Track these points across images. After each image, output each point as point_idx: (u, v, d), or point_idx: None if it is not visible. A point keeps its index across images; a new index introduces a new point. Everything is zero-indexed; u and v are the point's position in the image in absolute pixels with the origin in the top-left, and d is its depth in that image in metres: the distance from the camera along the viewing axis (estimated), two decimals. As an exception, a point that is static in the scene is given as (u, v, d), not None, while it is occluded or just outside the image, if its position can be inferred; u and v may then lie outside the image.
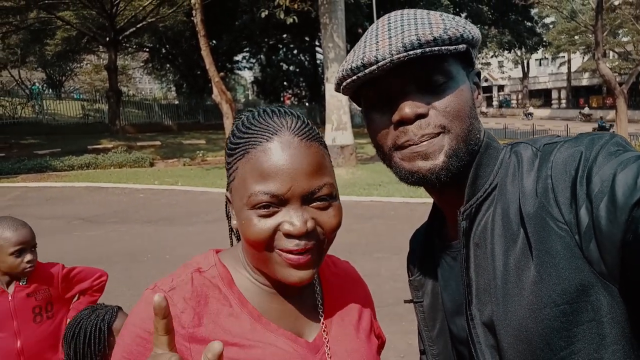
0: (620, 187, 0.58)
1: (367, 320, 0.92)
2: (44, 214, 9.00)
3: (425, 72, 0.72)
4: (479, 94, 0.80)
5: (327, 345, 0.82)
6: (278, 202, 0.72)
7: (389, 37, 0.71)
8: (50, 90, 30.34)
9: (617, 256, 0.59)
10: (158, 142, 19.27)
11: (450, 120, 0.72)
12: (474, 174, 0.77)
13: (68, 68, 35.11)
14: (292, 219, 0.72)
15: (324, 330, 0.84)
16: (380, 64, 0.69)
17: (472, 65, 0.79)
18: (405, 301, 0.96)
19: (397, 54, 0.68)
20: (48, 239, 7.24)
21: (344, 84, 0.75)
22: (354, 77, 0.73)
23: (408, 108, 0.72)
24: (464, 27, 0.72)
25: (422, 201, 9.21)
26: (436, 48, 0.68)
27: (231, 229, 0.90)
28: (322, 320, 0.85)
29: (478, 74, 0.81)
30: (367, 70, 0.70)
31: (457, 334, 0.86)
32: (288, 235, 0.73)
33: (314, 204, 0.75)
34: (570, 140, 0.70)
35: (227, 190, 0.82)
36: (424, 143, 0.73)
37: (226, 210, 0.86)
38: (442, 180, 0.74)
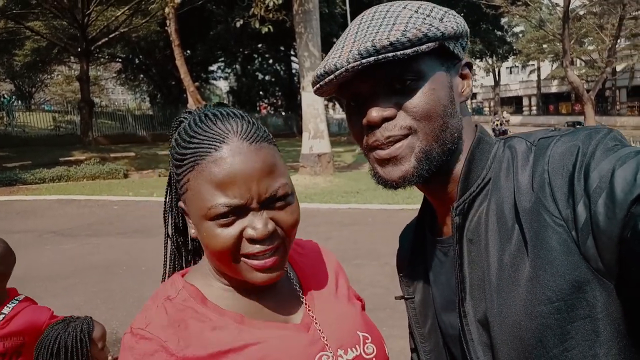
0: (619, 183, 0.58)
1: (343, 286, 0.95)
2: (14, 228, 8.73)
3: (392, 73, 0.71)
4: (467, 86, 0.79)
5: (315, 322, 0.83)
6: (238, 210, 0.73)
7: (353, 41, 0.71)
8: (20, 101, 29.60)
9: (615, 253, 0.59)
10: (132, 153, 18.97)
11: (418, 120, 0.71)
12: (467, 169, 0.75)
13: (38, 79, 34.36)
14: (253, 223, 0.73)
15: (309, 310, 0.85)
16: (336, 73, 0.69)
17: (455, 58, 0.76)
18: (396, 298, 0.95)
19: (354, 62, 0.68)
20: (19, 253, 7.00)
21: (314, 89, 0.76)
22: (318, 85, 0.73)
23: (375, 112, 0.72)
24: (430, 24, 0.70)
25: (399, 207, 9.29)
26: (390, 54, 0.67)
27: (179, 241, 0.91)
28: (303, 301, 0.87)
29: (468, 65, 0.79)
30: (327, 79, 0.71)
31: (446, 330, 0.85)
32: (251, 241, 0.73)
33: (272, 205, 0.75)
34: (566, 134, 0.69)
35: (180, 200, 0.81)
36: (391, 148, 0.72)
37: (171, 221, 0.89)
38: (411, 185, 0.74)
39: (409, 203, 9.37)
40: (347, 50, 0.69)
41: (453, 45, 0.75)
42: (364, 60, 0.67)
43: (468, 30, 0.78)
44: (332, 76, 0.70)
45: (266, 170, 0.73)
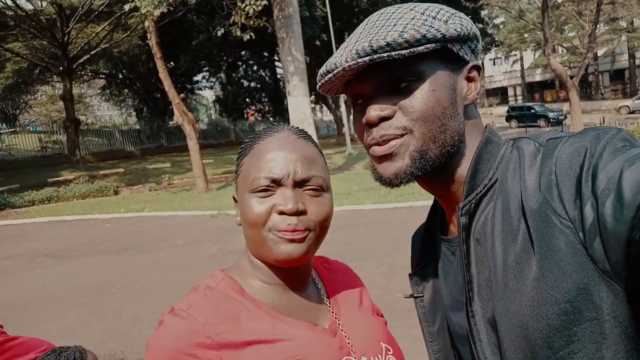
0: (627, 184, 0.57)
1: (367, 301, 1.02)
2: (5, 253, 8.62)
3: (391, 74, 0.72)
4: (474, 89, 0.78)
5: (342, 329, 0.89)
6: (275, 185, 0.83)
7: (356, 40, 0.72)
8: (4, 124, 29.31)
9: (622, 254, 0.58)
10: (121, 169, 18.86)
11: (414, 121, 0.72)
12: (473, 169, 0.75)
13: (21, 100, 34.04)
14: (285, 199, 0.82)
15: (335, 317, 0.91)
16: (334, 72, 0.72)
17: (460, 60, 0.76)
18: (406, 296, 0.95)
19: (351, 60, 0.70)
20: (10, 279, 6.95)
21: (317, 87, 0.78)
22: (319, 83, 0.76)
23: (373, 111, 0.73)
24: (430, 26, 0.70)
25: (392, 206, 9.28)
26: (385, 54, 0.68)
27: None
28: (330, 309, 0.93)
29: (477, 67, 0.78)
30: (326, 78, 0.73)
31: (454, 329, 0.85)
32: (281, 213, 0.82)
33: (306, 190, 0.85)
34: (575, 135, 0.68)
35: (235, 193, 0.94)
36: (385, 146, 0.74)
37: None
38: (405, 183, 0.75)
39: (401, 201, 9.36)
40: (349, 49, 0.71)
41: (458, 47, 0.74)
42: (359, 60, 0.68)
43: (477, 32, 0.77)
44: (331, 74, 0.72)
45: (304, 158, 0.86)
